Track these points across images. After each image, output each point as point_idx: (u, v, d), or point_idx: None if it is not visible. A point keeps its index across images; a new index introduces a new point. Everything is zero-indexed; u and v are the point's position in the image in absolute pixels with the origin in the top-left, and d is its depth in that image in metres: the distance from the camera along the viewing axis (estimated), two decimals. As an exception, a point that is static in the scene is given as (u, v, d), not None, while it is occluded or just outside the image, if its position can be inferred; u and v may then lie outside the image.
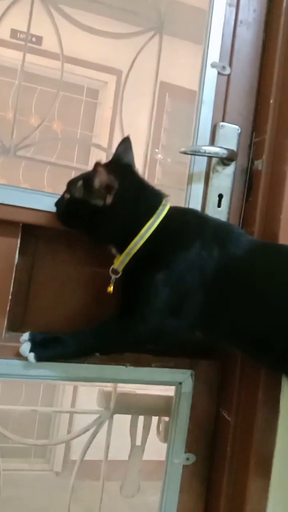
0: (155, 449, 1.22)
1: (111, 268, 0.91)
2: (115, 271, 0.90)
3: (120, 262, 0.89)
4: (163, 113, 2.93)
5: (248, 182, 1.07)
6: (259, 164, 1.04)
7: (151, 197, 0.91)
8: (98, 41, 2.45)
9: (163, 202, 0.90)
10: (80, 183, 0.88)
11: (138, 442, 1.35)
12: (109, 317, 0.92)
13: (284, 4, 1.05)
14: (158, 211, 0.88)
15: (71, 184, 0.90)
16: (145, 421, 1.34)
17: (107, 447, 1.34)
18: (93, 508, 1.48)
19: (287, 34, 1.05)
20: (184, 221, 0.90)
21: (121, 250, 0.88)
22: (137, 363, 1.00)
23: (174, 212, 0.90)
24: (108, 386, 1.28)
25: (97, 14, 2.43)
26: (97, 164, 0.83)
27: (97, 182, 0.84)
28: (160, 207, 0.88)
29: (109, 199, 0.85)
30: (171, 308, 0.84)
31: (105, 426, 1.27)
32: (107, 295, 0.91)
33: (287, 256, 0.88)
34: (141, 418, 1.33)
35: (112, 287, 0.91)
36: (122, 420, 1.33)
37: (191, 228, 0.89)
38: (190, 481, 1.07)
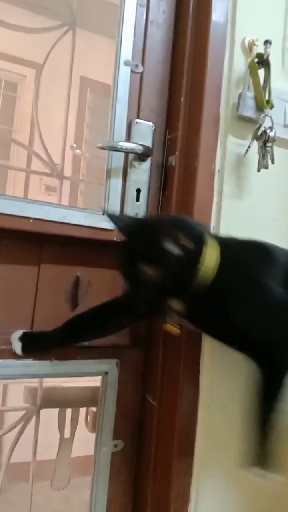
0: (88, 444, 1.24)
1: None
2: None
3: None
4: (85, 108, 2.92)
5: (164, 177, 1.12)
6: (173, 160, 1.09)
7: None
8: (14, 35, 2.39)
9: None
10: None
11: (67, 435, 1.36)
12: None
13: (191, 6, 1.11)
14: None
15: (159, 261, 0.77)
16: (73, 413, 1.36)
17: (35, 443, 1.33)
18: (24, 510, 1.47)
19: (195, 35, 1.10)
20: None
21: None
22: (62, 357, 1.01)
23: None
24: (34, 382, 1.28)
25: (8, 3, 2.36)
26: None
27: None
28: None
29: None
30: None
31: (32, 422, 1.26)
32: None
33: None
34: (68, 411, 1.35)
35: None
36: (50, 417, 1.33)
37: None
38: (120, 467, 1.11)
